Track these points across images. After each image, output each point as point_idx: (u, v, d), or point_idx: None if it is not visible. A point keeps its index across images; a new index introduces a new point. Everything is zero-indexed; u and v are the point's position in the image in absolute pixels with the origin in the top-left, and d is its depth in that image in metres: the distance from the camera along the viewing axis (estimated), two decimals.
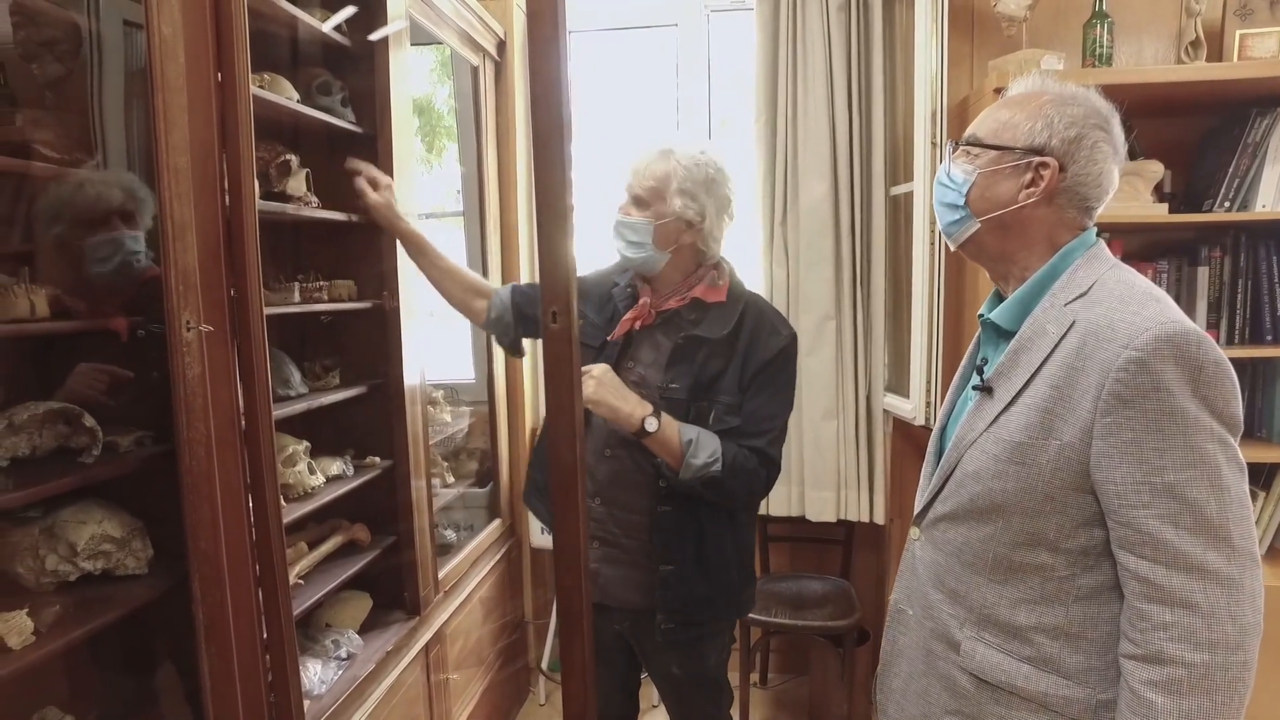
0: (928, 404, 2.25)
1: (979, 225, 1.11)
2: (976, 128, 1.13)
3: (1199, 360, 0.94)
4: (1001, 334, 1.13)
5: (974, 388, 1.13)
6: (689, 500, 1.57)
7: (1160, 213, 2.13)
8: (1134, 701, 0.96)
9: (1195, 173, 2.29)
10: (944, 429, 1.22)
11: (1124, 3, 2.34)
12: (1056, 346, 1.02)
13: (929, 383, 2.24)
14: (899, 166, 2.53)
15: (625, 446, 1.58)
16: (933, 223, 2.18)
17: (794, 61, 2.48)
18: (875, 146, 2.49)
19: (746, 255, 2.58)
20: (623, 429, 1.51)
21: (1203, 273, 2.18)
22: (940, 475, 1.14)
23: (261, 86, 1.55)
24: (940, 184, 1.16)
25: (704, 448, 1.51)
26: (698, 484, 1.52)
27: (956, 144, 1.16)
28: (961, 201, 1.12)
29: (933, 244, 2.20)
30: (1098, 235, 1.12)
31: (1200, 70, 2.12)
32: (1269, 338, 2.12)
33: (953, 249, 1.18)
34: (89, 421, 1.22)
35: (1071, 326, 1.02)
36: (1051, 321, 1.05)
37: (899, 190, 2.51)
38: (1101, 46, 2.19)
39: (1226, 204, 2.12)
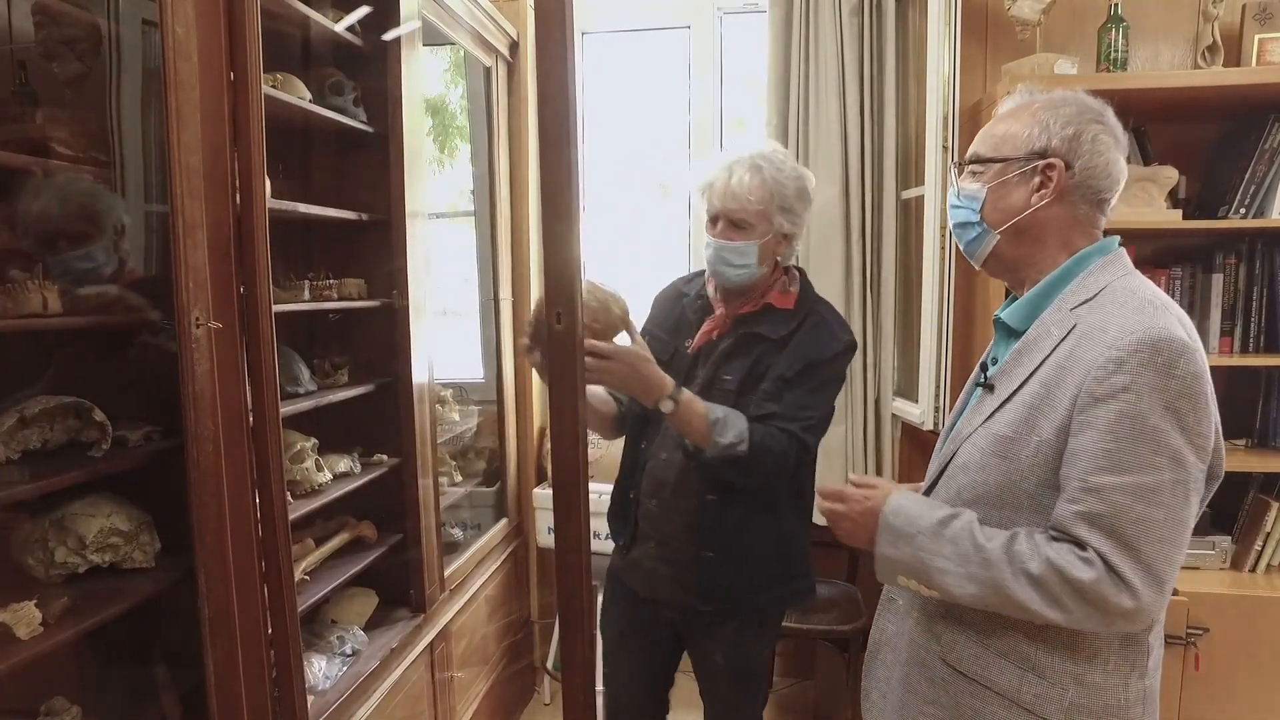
0: (937, 408, 2.24)
1: (997, 237, 1.12)
2: (977, 146, 1.15)
3: (1176, 370, 0.94)
4: (1012, 333, 1.15)
5: (977, 384, 1.15)
6: (734, 491, 1.57)
7: (1174, 219, 2.11)
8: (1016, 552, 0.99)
9: (1210, 179, 2.26)
10: (953, 426, 1.23)
11: (1140, 7, 2.32)
12: (1055, 348, 1.04)
13: (938, 387, 2.23)
14: (910, 170, 2.52)
15: (684, 450, 1.57)
16: (943, 227, 2.17)
17: (806, 64, 2.47)
18: (887, 150, 2.48)
19: None
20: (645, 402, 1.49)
21: (1217, 280, 2.15)
22: (937, 466, 1.17)
23: (274, 86, 1.56)
24: (953, 205, 1.17)
25: (731, 427, 1.48)
26: (721, 463, 1.50)
27: (961, 166, 1.17)
28: (976, 218, 1.13)
29: (943, 248, 2.19)
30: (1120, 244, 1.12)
31: (1217, 75, 2.09)
32: None
33: (976, 268, 1.20)
34: (99, 416, 1.24)
35: (1072, 330, 1.03)
36: (1056, 324, 1.06)
37: (910, 194, 2.49)
38: (1117, 51, 2.17)
39: (1242, 210, 2.09)
